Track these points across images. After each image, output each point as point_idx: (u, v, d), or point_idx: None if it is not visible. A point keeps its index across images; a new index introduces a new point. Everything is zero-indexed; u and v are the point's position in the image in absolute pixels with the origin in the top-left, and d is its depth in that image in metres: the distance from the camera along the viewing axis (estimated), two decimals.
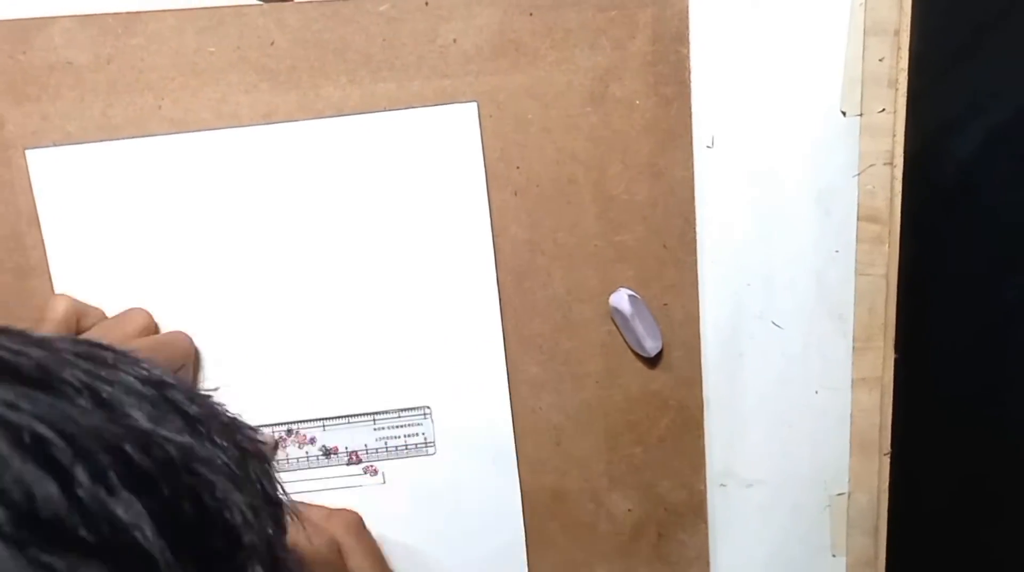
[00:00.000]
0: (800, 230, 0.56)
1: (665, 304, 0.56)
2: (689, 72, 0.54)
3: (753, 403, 0.58)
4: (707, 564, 0.60)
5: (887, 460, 0.58)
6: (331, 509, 0.56)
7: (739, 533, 0.60)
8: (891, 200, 0.55)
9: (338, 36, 0.54)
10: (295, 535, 0.51)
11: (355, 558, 0.52)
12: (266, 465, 0.27)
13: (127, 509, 0.19)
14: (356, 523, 0.55)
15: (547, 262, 0.56)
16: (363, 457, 0.58)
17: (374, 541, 0.57)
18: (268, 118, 0.54)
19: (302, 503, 0.57)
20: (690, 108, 0.54)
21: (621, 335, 0.57)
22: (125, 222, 0.55)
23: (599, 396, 0.57)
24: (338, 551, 0.52)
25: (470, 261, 0.56)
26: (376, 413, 0.58)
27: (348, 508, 0.56)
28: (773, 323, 0.57)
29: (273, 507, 0.27)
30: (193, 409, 0.24)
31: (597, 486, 0.59)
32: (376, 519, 0.58)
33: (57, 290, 0.56)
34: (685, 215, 0.55)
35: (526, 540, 0.59)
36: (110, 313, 0.56)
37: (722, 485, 0.59)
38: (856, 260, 0.56)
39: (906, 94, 0.54)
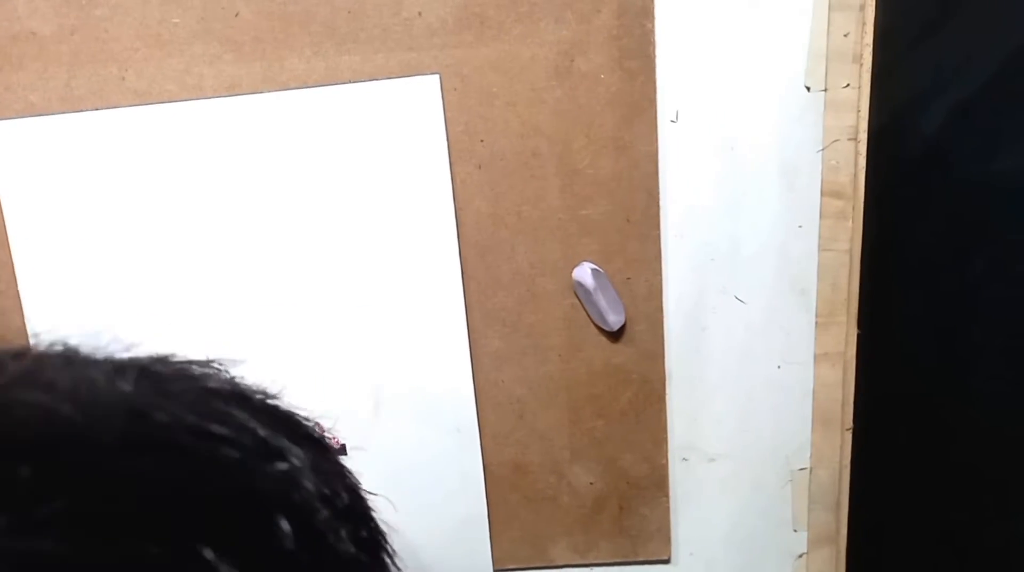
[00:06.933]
0: (764, 205, 0.56)
1: (628, 278, 0.56)
2: (654, 46, 0.54)
3: (715, 377, 0.58)
4: (668, 538, 0.60)
5: (849, 435, 0.58)
6: None
7: (701, 507, 0.60)
8: (855, 175, 0.55)
9: (303, 8, 0.53)
10: None
11: None
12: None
13: None
14: None
15: (510, 236, 0.56)
16: (324, 428, 0.58)
17: None
18: (232, 90, 0.54)
19: None
20: (655, 82, 0.54)
21: (584, 309, 0.57)
22: (87, 194, 0.55)
23: (562, 369, 0.58)
24: None
25: (433, 234, 0.56)
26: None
27: None
28: (736, 298, 0.57)
29: None
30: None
31: (559, 459, 0.59)
32: None
33: (16, 264, 0.56)
34: (649, 189, 0.55)
35: (488, 513, 0.60)
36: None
37: (684, 459, 0.59)
38: (819, 235, 0.56)
39: (871, 69, 0.54)
